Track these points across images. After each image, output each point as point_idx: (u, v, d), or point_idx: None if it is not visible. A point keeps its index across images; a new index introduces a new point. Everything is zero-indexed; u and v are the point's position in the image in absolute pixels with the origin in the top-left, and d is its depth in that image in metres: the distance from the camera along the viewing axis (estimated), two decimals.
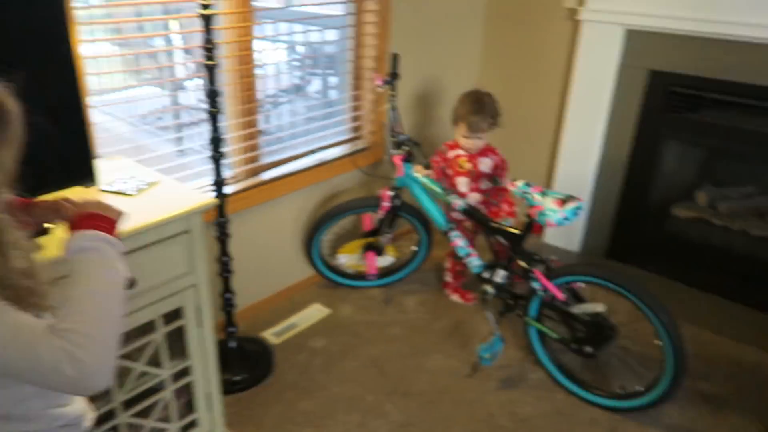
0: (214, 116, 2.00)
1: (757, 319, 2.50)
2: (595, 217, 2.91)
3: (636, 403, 1.96)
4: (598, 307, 1.97)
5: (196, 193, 1.66)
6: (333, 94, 2.70)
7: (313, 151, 2.65)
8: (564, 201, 1.91)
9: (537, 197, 1.95)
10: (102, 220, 0.97)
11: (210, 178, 2.00)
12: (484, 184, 2.46)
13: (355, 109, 2.79)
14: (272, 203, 2.45)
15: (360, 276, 2.70)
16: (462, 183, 2.45)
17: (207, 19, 1.90)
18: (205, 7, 1.87)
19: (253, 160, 2.43)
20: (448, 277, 2.68)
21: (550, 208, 1.91)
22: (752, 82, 2.34)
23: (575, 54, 2.78)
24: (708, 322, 2.52)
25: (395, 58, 2.48)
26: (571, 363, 2.18)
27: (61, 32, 1.36)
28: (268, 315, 2.51)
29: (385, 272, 2.71)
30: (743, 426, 1.97)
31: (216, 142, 2.04)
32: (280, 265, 2.61)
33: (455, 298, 2.65)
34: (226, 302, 2.13)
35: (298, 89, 3.32)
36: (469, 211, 2.24)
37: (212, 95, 1.99)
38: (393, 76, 2.42)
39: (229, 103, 2.26)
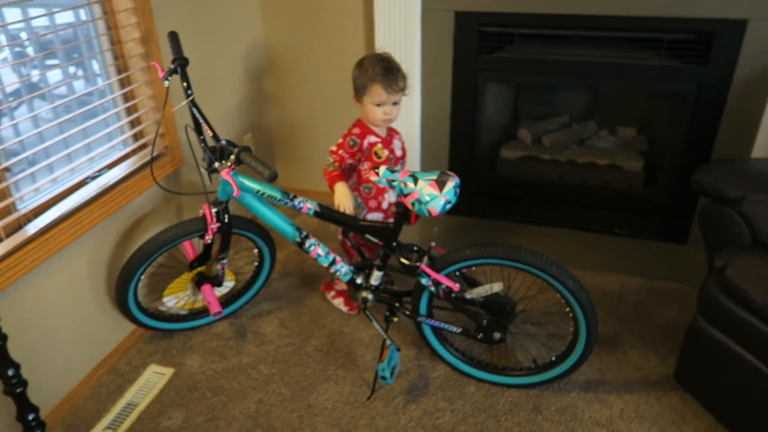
0: None
1: (604, 244, 2.59)
2: None
3: (554, 374, 1.84)
4: (496, 287, 1.78)
5: None
6: (95, 99, 2.00)
7: (92, 177, 1.97)
8: (439, 182, 1.63)
9: (409, 184, 1.64)
10: None
11: None
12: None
13: (131, 110, 2.15)
14: (52, 261, 1.77)
15: (196, 314, 2.16)
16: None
17: None
18: None
19: (6, 211, 1.70)
20: (333, 280, 2.28)
21: (428, 194, 1.61)
22: (556, 12, 2.30)
23: (373, 3, 2.47)
24: (565, 259, 2.54)
25: (174, 37, 1.90)
26: (471, 348, 1.99)
27: None
28: (92, 403, 1.88)
29: (227, 301, 2.21)
30: (643, 358, 2.00)
31: None
32: (87, 334, 1.94)
33: (338, 303, 2.26)
34: (30, 427, 1.48)
35: (39, 95, 2.47)
36: (324, 214, 1.84)
37: None
38: (180, 62, 1.85)
39: None
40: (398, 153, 2.08)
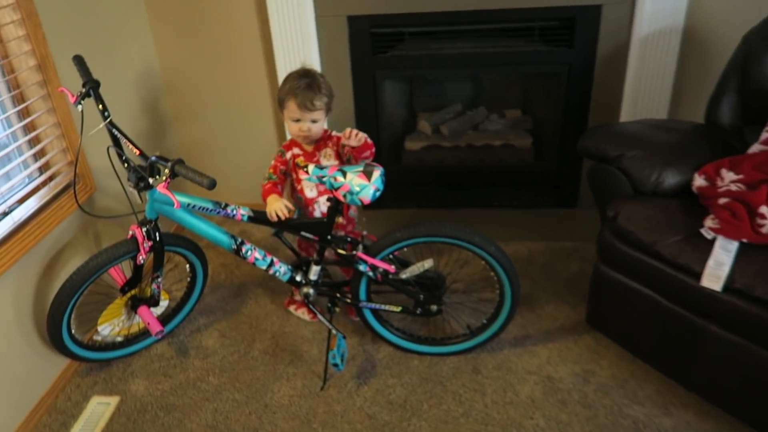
0: None
1: (507, 217, 2.84)
2: None
3: (487, 335, 2.03)
4: (427, 263, 1.93)
5: None
6: None
7: (3, 214, 1.89)
8: (366, 173, 1.76)
9: (339, 178, 1.75)
10: None
11: None
12: None
13: (36, 141, 2.07)
14: None
15: (132, 339, 2.13)
16: (306, 188, 2.02)
17: None
18: None
19: None
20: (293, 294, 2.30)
21: (358, 185, 1.74)
22: (439, 10, 2.51)
23: (267, 15, 2.55)
24: None
25: (80, 61, 1.88)
26: (410, 326, 2.14)
27: None
28: None
29: (162, 320, 2.19)
30: (558, 310, 2.25)
31: None
32: (19, 376, 1.86)
33: (301, 313, 2.27)
34: None
35: None
36: (257, 218, 1.90)
37: None
38: (91, 85, 1.84)
39: None
40: (328, 164, 1.98)
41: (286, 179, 2.03)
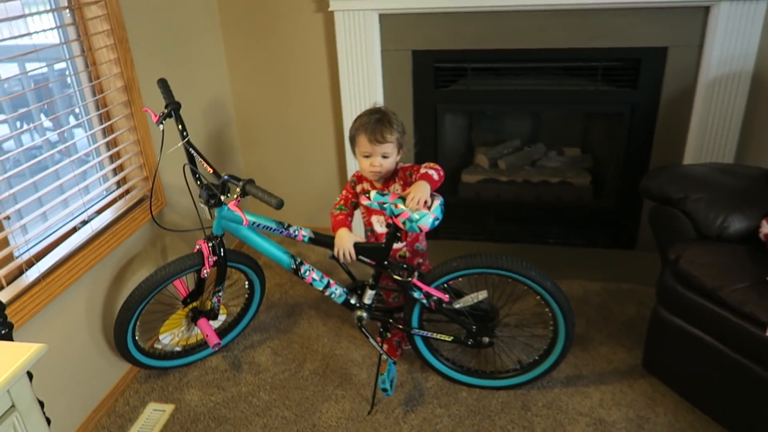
0: None
1: (562, 255, 2.82)
2: None
3: (538, 372, 2.00)
4: (482, 295, 1.94)
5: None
6: (81, 146, 2.08)
7: (83, 222, 2.02)
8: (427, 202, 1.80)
9: (399, 205, 1.79)
10: None
11: None
12: None
13: (116, 156, 2.21)
14: (47, 310, 1.79)
15: (190, 350, 2.21)
16: (376, 222, 2.03)
17: None
18: None
19: (8, 259, 1.74)
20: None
21: (418, 213, 1.77)
22: (503, 48, 2.56)
23: (336, 47, 2.66)
24: None
25: (164, 84, 2.02)
26: (459, 357, 2.14)
27: None
28: None
29: (219, 334, 2.26)
30: (612, 352, 2.20)
31: None
32: (84, 377, 1.96)
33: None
34: None
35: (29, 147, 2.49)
36: (318, 240, 1.97)
37: None
38: (173, 106, 1.96)
39: None
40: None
41: (354, 210, 2.05)
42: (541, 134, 3.13)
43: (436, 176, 1.84)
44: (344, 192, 2.04)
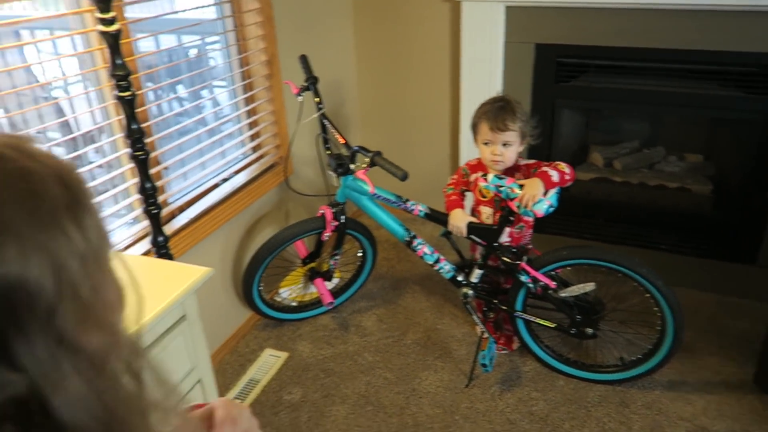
0: (142, 161, 1.57)
1: (674, 262, 2.74)
2: None
3: (640, 370, 2.00)
4: (589, 287, 1.96)
5: (170, 263, 1.28)
6: (226, 112, 2.32)
7: (224, 180, 2.25)
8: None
9: (515, 189, 1.85)
10: None
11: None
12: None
13: (254, 124, 2.43)
14: (191, 252, 2.02)
15: (304, 306, 2.40)
16: (484, 213, 2.06)
17: (113, 39, 1.46)
18: (109, 22, 1.43)
19: (163, 204, 1.98)
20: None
21: None
22: (629, 46, 2.52)
23: (460, 36, 2.74)
24: None
25: (305, 60, 2.19)
26: (558, 346, 2.17)
27: None
28: (220, 378, 2.10)
29: (332, 295, 2.43)
30: (721, 364, 2.14)
31: (149, 192, 1.62)
32: (214, 317, 2.19)
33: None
34: None
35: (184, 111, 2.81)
36: (433, 216, 2.07)
37: (135, 135, 1.56)
38: (311, 81, 2.14)
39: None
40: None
41: (464, 198, 2.08)
42: (661, 137, 3.04)
43: (555, 177, 1.84)
44: (456, 176, 2.10)
